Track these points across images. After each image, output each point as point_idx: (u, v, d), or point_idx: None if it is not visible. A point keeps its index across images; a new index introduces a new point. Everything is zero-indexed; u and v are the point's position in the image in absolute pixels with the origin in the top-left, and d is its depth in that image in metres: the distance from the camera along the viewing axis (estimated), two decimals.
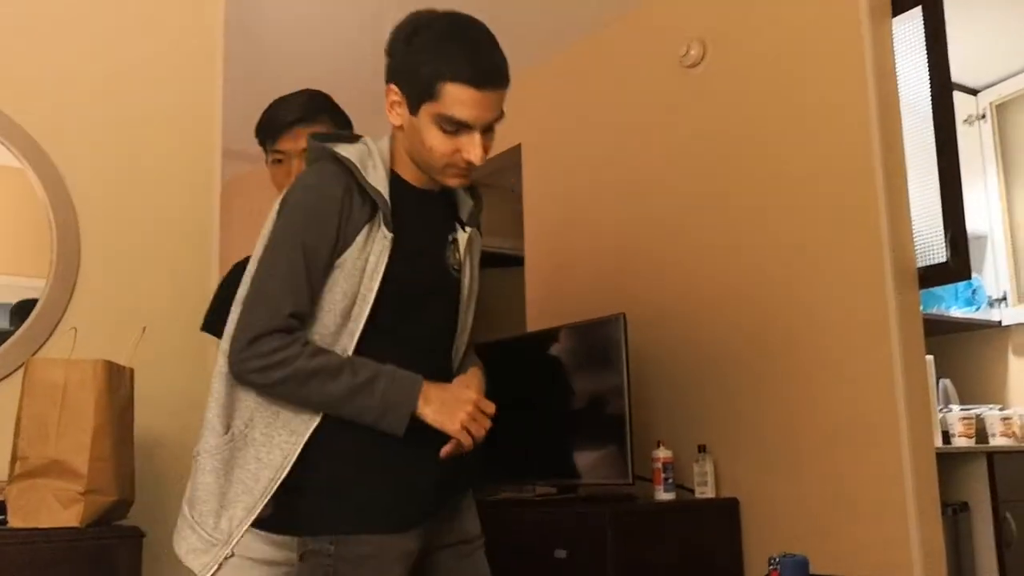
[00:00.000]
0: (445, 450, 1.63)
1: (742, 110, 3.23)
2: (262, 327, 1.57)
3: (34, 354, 2.41)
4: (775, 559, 2.57)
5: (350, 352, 1.63)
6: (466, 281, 1.80)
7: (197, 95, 2.81)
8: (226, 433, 1.64)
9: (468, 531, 1.79)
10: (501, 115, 1.65)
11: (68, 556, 1.95)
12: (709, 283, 3.28)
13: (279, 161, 2.11)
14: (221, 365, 1.65)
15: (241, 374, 1.59)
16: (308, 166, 1.74)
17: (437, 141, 1.62)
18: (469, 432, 1.62)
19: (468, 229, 1.80)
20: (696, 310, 3.31)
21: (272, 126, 2.12)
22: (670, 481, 3.06)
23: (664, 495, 3.05)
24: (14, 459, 2.01)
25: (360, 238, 1.62)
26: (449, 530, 1.75)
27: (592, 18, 3.82)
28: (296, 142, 2.07)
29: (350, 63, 3.92)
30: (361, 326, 1.63)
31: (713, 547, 3.02)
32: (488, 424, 1.64)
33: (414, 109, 1.62)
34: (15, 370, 2.37)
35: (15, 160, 2.50)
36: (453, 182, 1.68)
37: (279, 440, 1.61)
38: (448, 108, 1.59)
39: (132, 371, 2.18)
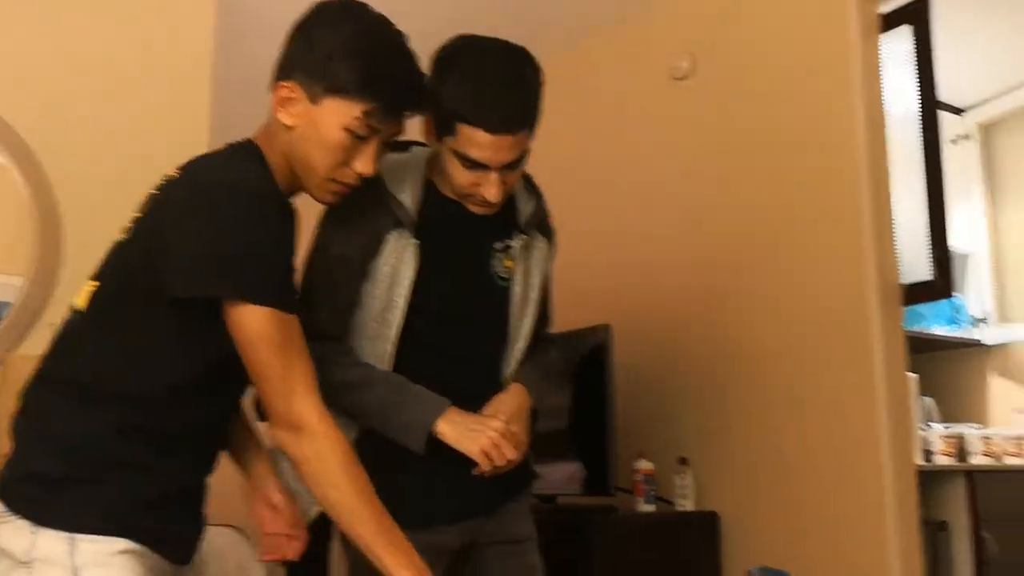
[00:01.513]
0: (477, 470, 1.68)
1: (730, 124, 3.24)
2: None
3: (11, 351, 2.39)
4: (753, 572, 2.57)
5: (388, 355, 1.68)
6: (517, 289, 1.79)
7: (186, 96, 2.80)
8: None
9: (515, 533, 1.85)
10: (524, 153, 1.64)
11: None
12: (694, 296, 3.29)
13: None
14: None
15: None
16: None
17: (457, 172, 1.64)
18: (491, 457, 1.65)
19: (524, 235, 1.79)
20: (680, 323, 3.31)
21: None
22: (651, 493, 3.06)
23: (644, 507, 3.05)
24: None
25: (386, 244, 1.66)
26: (497, 531, 1.82)
27: (580, 30, 3.82)
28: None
29: None
30: (394, 332, 1.67)
31: (692, 560, 3.01)
32: (512, 453, 1.67)
33: (438, 138, 1.64)
34: None
35: (0, 156, 2.48)
36: (477, 210, 1.71)
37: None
38: (463, 147, 1.60)
39: None
